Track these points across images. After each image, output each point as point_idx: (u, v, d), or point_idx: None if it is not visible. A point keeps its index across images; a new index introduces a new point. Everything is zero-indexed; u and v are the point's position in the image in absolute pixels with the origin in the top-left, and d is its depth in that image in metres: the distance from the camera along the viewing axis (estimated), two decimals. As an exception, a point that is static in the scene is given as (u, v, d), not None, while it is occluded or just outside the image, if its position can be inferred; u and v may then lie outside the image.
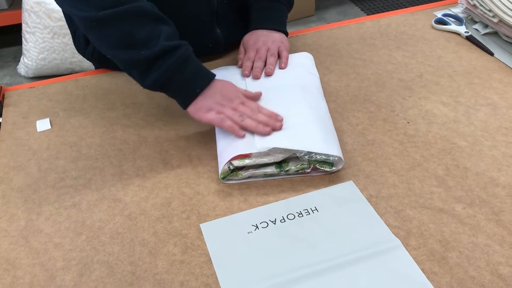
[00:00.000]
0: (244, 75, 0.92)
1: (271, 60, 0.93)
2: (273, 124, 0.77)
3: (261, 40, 0.96)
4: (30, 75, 2.34)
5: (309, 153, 0.75)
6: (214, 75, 0.82)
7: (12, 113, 0.94)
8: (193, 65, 0.79)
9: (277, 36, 0.97)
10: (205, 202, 0.74)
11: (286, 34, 1.01)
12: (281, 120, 0.79)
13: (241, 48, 0.99)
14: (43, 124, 0.90)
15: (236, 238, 0.69)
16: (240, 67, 0.96)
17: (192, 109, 0.79)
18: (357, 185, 0.76)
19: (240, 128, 0.78)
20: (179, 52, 0.77)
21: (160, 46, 0.75)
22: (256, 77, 0.91)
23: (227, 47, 1.06)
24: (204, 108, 0.79)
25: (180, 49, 0.77)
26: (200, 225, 0.71)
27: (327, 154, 0.75)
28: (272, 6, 1.00)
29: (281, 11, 1.01)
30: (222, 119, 0.78)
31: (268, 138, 0.76)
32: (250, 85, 0.89)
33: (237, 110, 0.79)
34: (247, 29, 0.99)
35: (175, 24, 0.82)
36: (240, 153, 0.75)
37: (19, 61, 2.40)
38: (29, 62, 2.28)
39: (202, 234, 0.69)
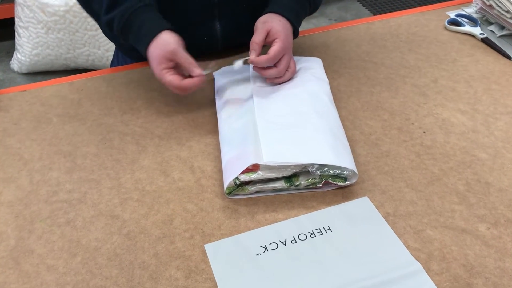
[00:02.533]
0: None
1: (287, 76, 0.86)
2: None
3: (287, 45, 0.84)
4: (24, 71, 2.27)
5: (321, 167, 0.70)
6: (149, 40, 0.80)
7: (2, 118, 0.88)
8: (134, 30, 0.83)
9: (291, 38, 0.87)
10: (209, 220, 0.69)
11: (297, 33, 0.90)
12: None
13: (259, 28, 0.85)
14: None
15: (243, 261, 0.63)
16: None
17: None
18: (372, 202, 0.71)
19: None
20: (115, 25, 0.83)
21: (104, 21, 0.84)
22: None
23: (226, 45, 0.99)
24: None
25: (114, 22, 0.83)
26: (205, 245, 0.66)
27: (340, 168, 0.70)
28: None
29: (303, 8, 0.92)
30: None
31: (275, 151, 0.71)
32: (256, 93, 0.84)
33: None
34: (252, 33, 0.91)
35: (171, 8, 0.87)
36: (247, 167, 0.70)
37: (12, 56, 2.33)
38: (23, 58, 2.22)
39: (207, 256, 0.64)
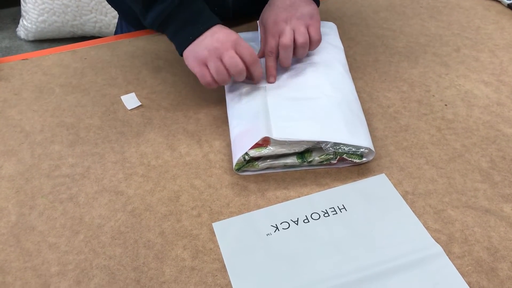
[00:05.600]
0: (269, 82, 0.76)
1: (300, 52, 0.76)
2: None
3: (282, 17, 0.74)
4: (30, 38, 2.23)
5: (335, 144, 0.66)
6: (215, 22, 0.72)
7: (3, 88, 0.85)
8: (190, 10, 0.72)
9: (305, 9, 0.76)
10: (217, 197, 0.66)
11: (318, 3, 0.79)
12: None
13: (261, 30, 0.80)
14: (131, 101, 0.81)
15: (253, 241, 0.60)
16: (260, 57, 0.80)
17: (185, 54, 0.73)
18: (390, 179, 0.67)
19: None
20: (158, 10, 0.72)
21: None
22: (284, 66, 0.77)
23: (236, 14, 0.94)
24: (191, 55, 0.72)
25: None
26: (213, 224, 0.63)
27: (356, 146, 0.66)
28: None
29: None
30: (203, 74, 0.72)
31: (286, 127, 0.67)
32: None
33: (222, 60, 0.70)
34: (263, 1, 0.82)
35: None
36: (257, 142, 0.66)
37: (18, 23, 2.28)
38: (29, 25, 2.17)
39: (215, 235, 0.61)
